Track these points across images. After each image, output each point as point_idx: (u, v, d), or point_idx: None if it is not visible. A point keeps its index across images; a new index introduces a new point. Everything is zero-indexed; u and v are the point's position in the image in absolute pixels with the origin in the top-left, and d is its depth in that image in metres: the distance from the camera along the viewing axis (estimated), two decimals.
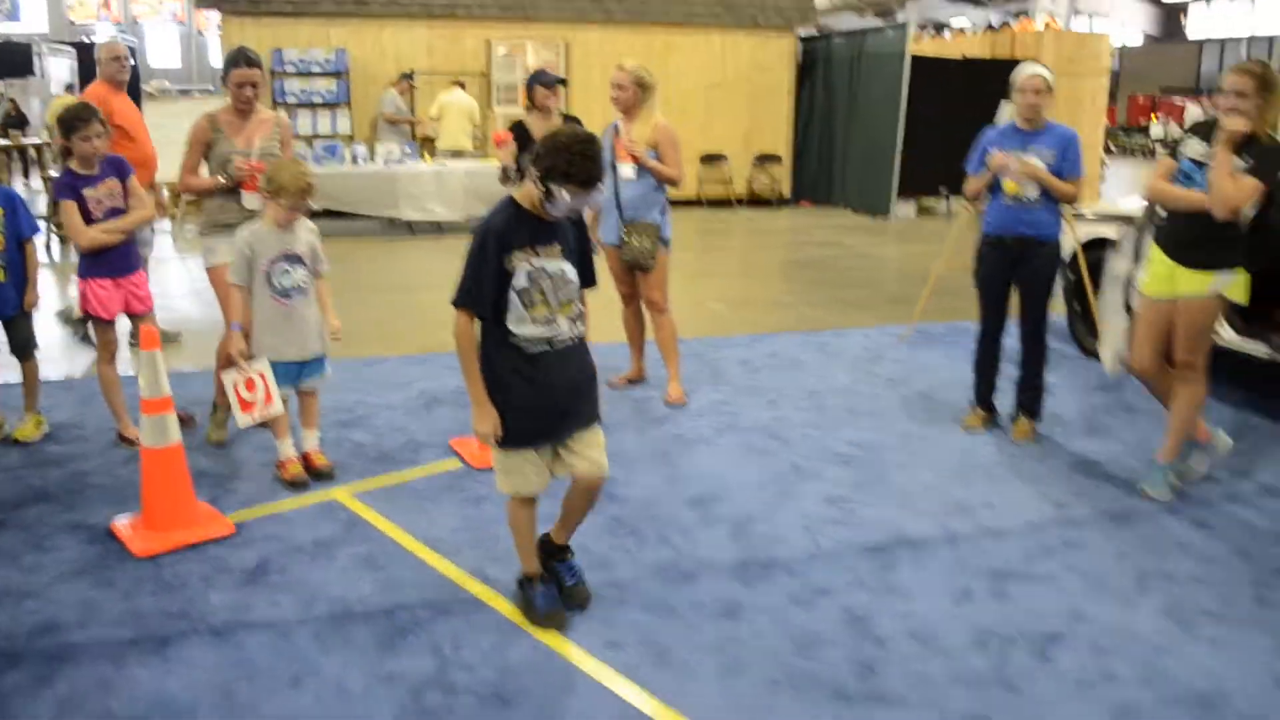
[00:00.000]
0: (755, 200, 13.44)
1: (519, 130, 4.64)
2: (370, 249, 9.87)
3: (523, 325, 2.69)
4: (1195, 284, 3.65)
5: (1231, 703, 2.61)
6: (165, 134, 6.42)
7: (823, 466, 4.20)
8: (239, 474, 4.04)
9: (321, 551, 3.37)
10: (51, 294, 7.20)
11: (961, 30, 14.15)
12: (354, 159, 10.43)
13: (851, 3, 29.26)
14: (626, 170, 4.77)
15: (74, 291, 4.49)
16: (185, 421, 4.37)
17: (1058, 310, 6.35)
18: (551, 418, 2.78)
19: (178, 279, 8.08)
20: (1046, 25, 13.71)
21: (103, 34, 31.83)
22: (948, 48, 13.66)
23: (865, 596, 3.13)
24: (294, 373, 3.93)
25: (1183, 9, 27.69)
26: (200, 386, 4.84)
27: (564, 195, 2.56)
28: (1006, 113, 4.83)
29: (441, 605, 3.03)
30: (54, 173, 7.65)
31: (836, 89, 13.20)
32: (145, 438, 3.48)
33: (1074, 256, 5.87)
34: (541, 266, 2.69)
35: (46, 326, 6.17)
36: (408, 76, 11.61)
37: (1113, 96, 27.45)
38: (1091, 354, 5.81)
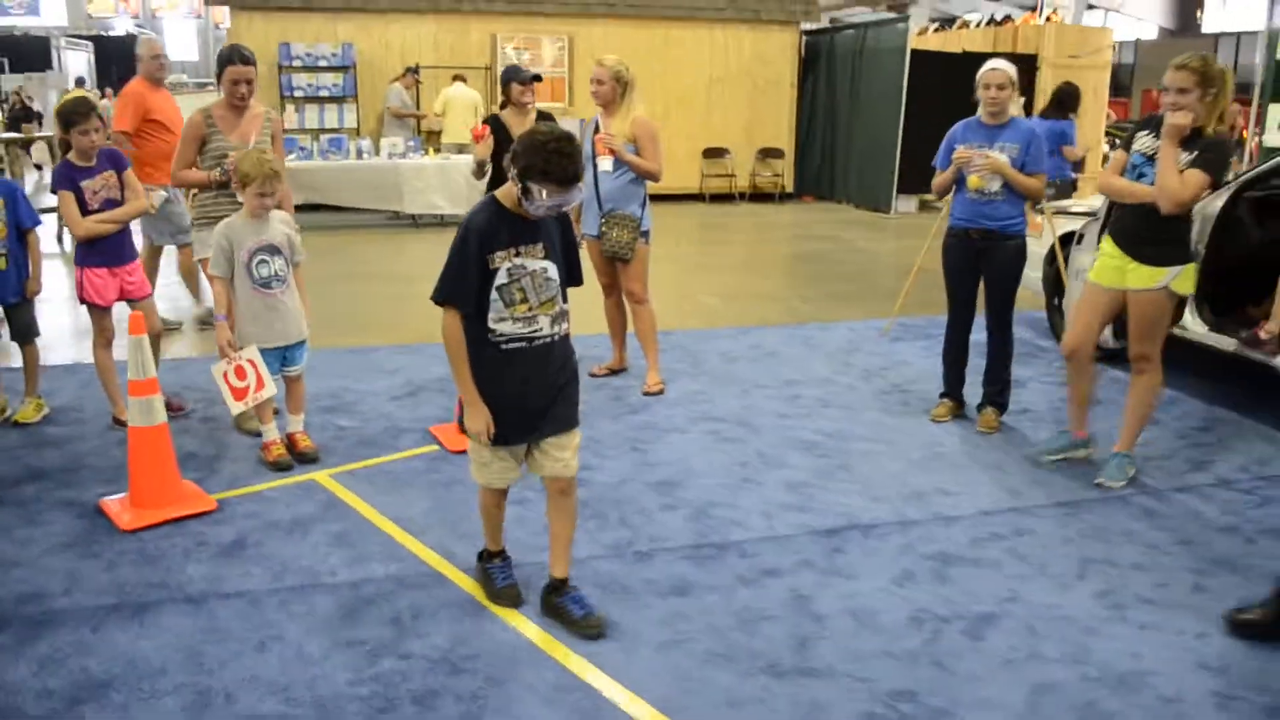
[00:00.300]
0: (757, 195, 13.54)
1: (495, 125, 4.78)
2: (373, 241, 10.06)
3: (502, 323, 2.71)
4: (1145, 278, 3.75)
5: (1150, 683, 2.72)
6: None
7: (788, 454, 4.33)
8: (225, 456, 4.22)
9: (297, 528, 3.54)
10: (62, 283, 7.41)
11: (966, 24, 14.07)
12: (358, 153, 10.60)
13: None
14: (605, 164, 4.91)
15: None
16: (175, 409, 4.55)
17: (1038, 304, 6.46)
18: (525, 416, 2.79)
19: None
20: (1048, 19, 13.65)
21: (120, 27, 32.22)
22: (950, 41, 13.69)
23: (812, 577, 3.26)
24: (277, 359, 4.09)
25: (1199, 2, 27.48)
26: (195, 373, 5.02)
27: (542, 194, 2.57)
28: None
29: (405, 579, 3.19)
30: None
31: (839, 83, 13.27)
32: (132, 418, 3.65)
33: (1052, 251, 5.96)
34: (523, 265, 2.71)
35: (51, 315, 6.38)
36: (413, 71, 11.79)
37: (1127, 91, 27.31)
38: None
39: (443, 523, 3.60)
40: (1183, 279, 3.71)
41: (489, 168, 4.66)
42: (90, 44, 17.17)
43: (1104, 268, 3.90)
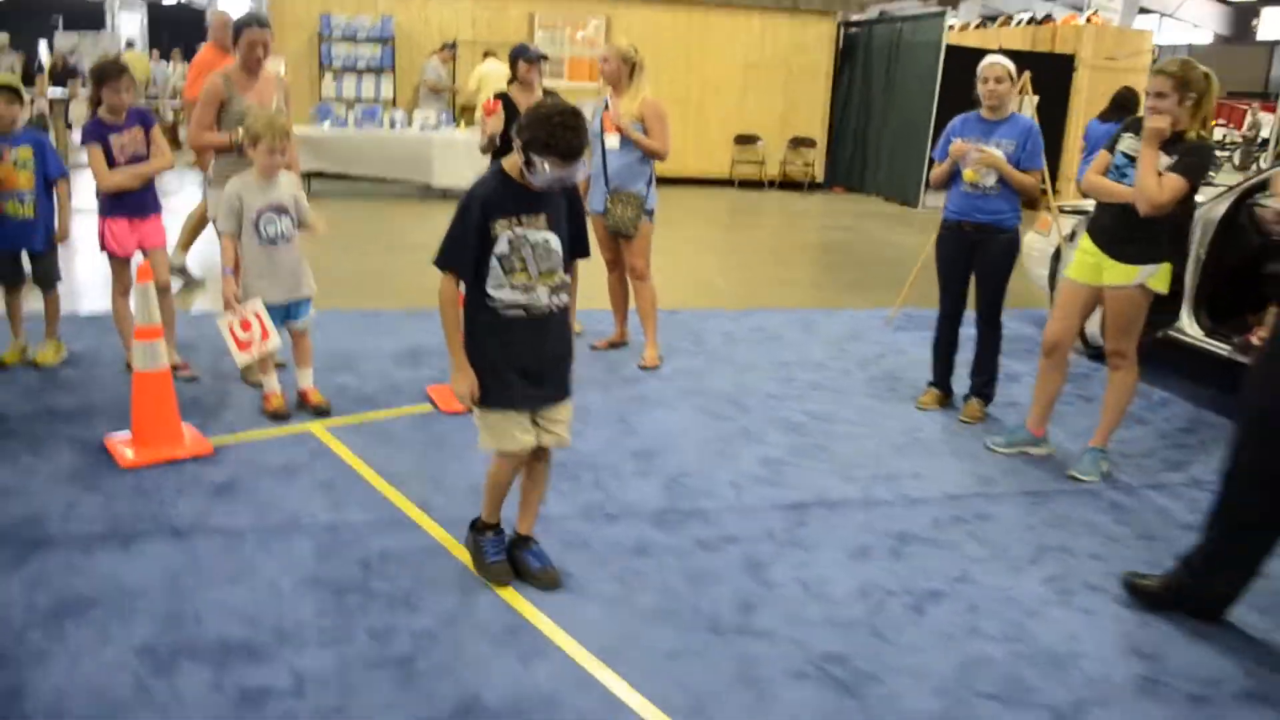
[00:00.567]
0: (788, 183, 13.55)
1: (505, 101, 4.91)
2: (401, 211, 10.25)
3: (500, 290, 2.75)
4: (1121, 276, 3.80)
5: (1079, 665, 2.80)
6: None
7: (770, 432, 4.43)
8: (227, 404, 4.41)
9: (286, 474, 3.72)
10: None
11: (1007, 20, 13.92)
12: (391, 124, 10.80)
13: None
14: (612, 141, 5.02)
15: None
16: (179, 368, 4.69)
17: (1040, 300, 6.47)
18: (525, 383, 2.82)
19: (208, 229, 8.51)
20: (1089, 19, 13.47)
21: None
22: (988, 39, 13.57)
23: (770, 547, 3.37)
24: (281, 314, 4.27)
25: (1255, 10, 26.84)
26: (211, 328, 5.21)
27: (545, 167, 2.60)
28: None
29: (380, 526, 3.35)
30: None
31: (874, 75, 13.24)
32: (137, 361, 3.85)
33: (1057, 249, 5.97)
34: (524, 235, 2.73)
35: (82, 266, 6.64)
36: (450, 46, 11.95)
37: None
38: None
39: (425, 476, 3.75)
40: (1158, 277, 3.75)
41: (498, 143, 4.80)
42: (145, 4, 17.60)
43: (1081, 264, 3.94)
